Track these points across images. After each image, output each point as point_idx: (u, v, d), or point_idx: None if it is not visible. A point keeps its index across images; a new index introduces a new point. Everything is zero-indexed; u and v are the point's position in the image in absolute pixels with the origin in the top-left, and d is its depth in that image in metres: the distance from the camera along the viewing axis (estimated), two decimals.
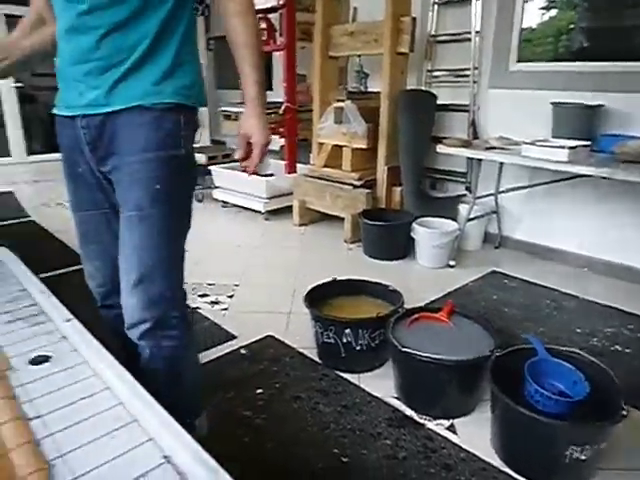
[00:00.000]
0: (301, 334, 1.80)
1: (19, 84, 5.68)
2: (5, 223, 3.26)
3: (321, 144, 3.20)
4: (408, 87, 3.00)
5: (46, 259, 2.47)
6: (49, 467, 0.55)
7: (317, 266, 2.54)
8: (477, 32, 2.83)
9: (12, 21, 5.33)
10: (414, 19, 2.78)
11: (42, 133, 6.16)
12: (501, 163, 2.57)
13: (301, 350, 1.73)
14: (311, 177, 3.19)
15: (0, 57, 0.99)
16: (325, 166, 3.16)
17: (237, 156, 0.99)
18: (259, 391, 1.50)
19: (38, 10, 1.03)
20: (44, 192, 4.21)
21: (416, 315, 1.58)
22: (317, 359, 1.67)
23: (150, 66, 0.88)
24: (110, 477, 0.55)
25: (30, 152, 5.89)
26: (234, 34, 0.94)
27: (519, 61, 2.77)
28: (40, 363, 0.76)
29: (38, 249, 2.72)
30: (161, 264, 0.94)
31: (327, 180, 3.09)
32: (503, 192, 2.78)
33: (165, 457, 0.57)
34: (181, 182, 0.97)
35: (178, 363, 1.01)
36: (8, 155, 5.72)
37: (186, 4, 0.92)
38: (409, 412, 1.45)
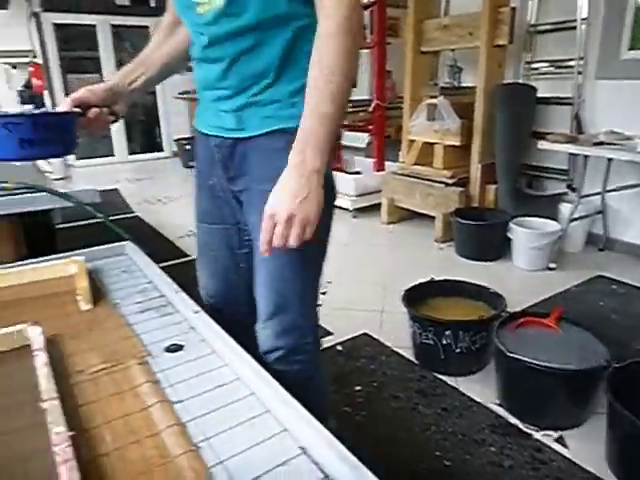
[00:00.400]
0: (395, 333, 1.79)
1: None
2: (114, 218, 3.54)
3: (411, 141, 3.15)
4: (505, 81, 2.88)
5: (155, 253, 2.65)
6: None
7: (407, 265, 2.51)
8: (584, 19, 2.65)
9: (63, 32, 5.75)
10: (514, 9, 2.66)
11: (140, 135, 6.63)
12: (609, 159, 2.39)
13: (396, 349, 1.72)
14: (400, 175, 3.16)
15: (137, 74, 1.00)
16: (415, 164, 3.11)
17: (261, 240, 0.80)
18: (357, 388, 1.52)
19: (171, 10, 1.00)
20: (145, 189, 4.52)
21: (521, 320, 1.52)
22: (413, 359, 1.66)
23: (279, 90, 0.85)
24: (253, 463, 0.57)
25: (130, 152, 6.36)
26: (316, 56, 0.76)
27: (632, 49, 2.56)
28: (174, 351, 0.81)
29: (146, 243, 2.92)
30: (296, 294, 0.93)
31: (417, 178, 3.04)
32: (612, 191, 2.58)
33: (301, 448, 0.59)
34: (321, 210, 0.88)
35: (309, 382, 1.00)
36: (112, 155, 6.21)
37: (311, 22, 0.83)
38: (513, 420, 1.39)
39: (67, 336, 0.85)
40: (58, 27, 5.68)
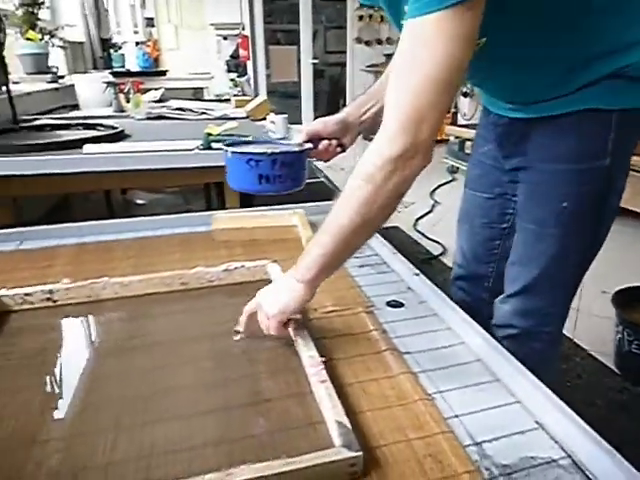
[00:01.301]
0: (591, 336, 1.64)
1: (315, 60, 6.45)
2: (311, 181, 3.85)
3: None
4: None
5: None
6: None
7: (614, 265, 2.25)
8: None
9: (269, 6, 6.02)
10: None
11: (324, 105, 6.93)
12: None
13: (593, 353, 1.57)
14: None
15: (369, 105, 0.95)
16: None
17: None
18: None
19: None
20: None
21: None
22: (614, 368, 1.50)
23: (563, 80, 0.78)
24: (488, 425, 0.58)
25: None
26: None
27: None
28: (395, 307, 0.86)
29: None
30: (548, 281, 0.90)
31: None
32: None
33: (538, 423, 0.58)
34: (597, 199, 0.84)
35: (536, 365, 0.95)
36: (300, 123, 6.62)
37: None
38: None
39: None
40: (265, 1, 6.15)
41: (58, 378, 0.68)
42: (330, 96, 6.95)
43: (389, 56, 5.52)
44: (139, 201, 3.15)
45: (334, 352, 0.71)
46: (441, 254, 2.65)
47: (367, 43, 6.17)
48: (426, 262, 2.51)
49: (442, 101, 0.61)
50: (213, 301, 0.88)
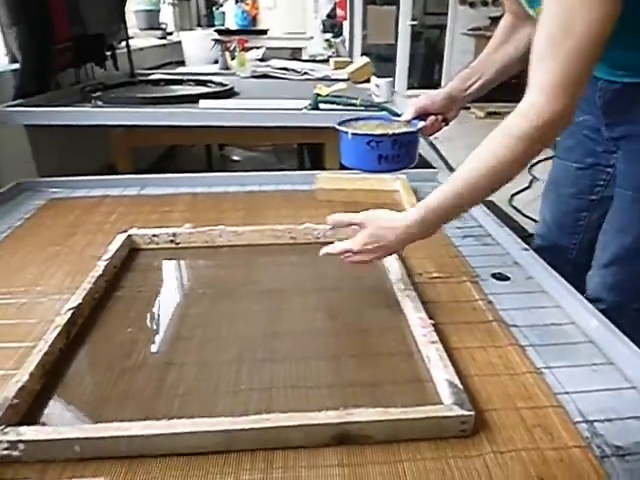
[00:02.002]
0: None
1: (414, 22, 6.22)
2: None
3: None
4: None
5: None
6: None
7: None
8: None
9: None
10: None
11: (420, 69, 6.70)
12: None
13: None
14: None
15: (474, 79, 0.95)
16: None
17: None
18: None
19: (511, 10, 0.94)
20: None
21: None
22: None
23: None
24: (600, 405, 0.57)
25: (409, 86, 6.52)
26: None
27: None
28: (501, 279, 0.85)
29: None
30: (638, 252, 0.88)
31: None
32: None
33: None
34: None
35: None
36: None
37: None
38: None
39: None
40: None
41: (185, 312, 0.75)
42: (426, 60, 6.70)
43: (494, 20, 5.20)
44: (235, 157, 3.28)
45: (439, 317, 0.72)
46: None
47: (471, 5, 5.85)
48: (522, 239, 2.42)
49: (594, 62, 0.61)
50: (319, 257, 0.92)
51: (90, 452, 0.49)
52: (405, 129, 0.92)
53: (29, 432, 0.49)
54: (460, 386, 0.55)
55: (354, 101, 1.32)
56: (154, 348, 0.66)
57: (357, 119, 0.98)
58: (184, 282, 0.85)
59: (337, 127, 0.92)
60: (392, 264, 0.82)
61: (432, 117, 0.95)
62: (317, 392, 0.58)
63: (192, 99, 1.42)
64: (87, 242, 0.97)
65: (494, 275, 0.86)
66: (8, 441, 0.48)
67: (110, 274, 0.82)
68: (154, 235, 0.93)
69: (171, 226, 0.98)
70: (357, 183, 1.25)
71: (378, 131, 0.91)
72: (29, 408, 0.55)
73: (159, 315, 0.74)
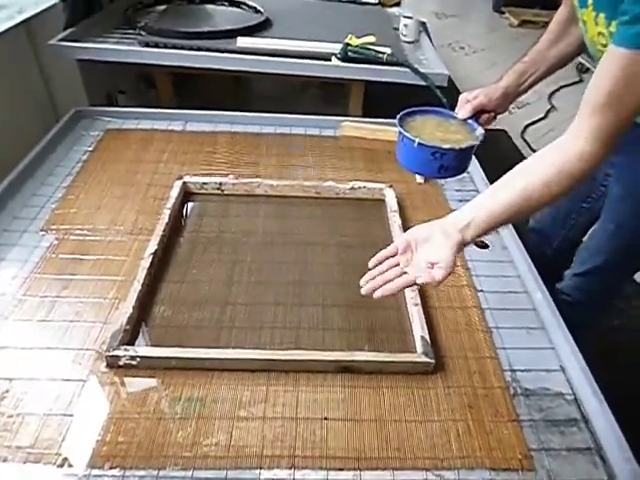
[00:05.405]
0: None
1: None
2: None
3: None
4: None
5: None
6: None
7: None
8: None
9: None
10: None
11: None
12: None
13: None
14: None
15: (529, 74, 0.96)
16: None
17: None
18: None
19: (567, 3, 0.92)
20: (449, 30, 4.52)
21: None
22: None
23: None
24: (521, 359, 0.82)
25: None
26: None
27: None
28: (482, 247, 1.06)
29: None
30: (615, 267, 1.09)
31: None
32: None
33: (561, 367, 0.82)
34: None
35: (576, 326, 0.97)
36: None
37: None
38: None
39: (408, 205, 1.16)
40: None
41: (234, 259, 0.98)
42: None
43: None
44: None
45: None
46: None
47: None
48: None
49: None
50: (340, 212, 1.13)
51: (182, 365, 0.76)
52: (470, 142, 0.91)
53: (142, 350, 0.76)
54: (429, 341, 0.80)
55: (381, 56, 1.42)
56: (214, 288, 0.91)
57: (414, 112, 0.96)
58: (232, 230, 1.06)
59: (403, 132, 0.90)
60: (394, 224, 1.04)
61: (487, 116, 0.98)
62: (330, 333, 0.84)
63: (228, 34, 1.53)
64: (148, 182, 1.18)
65: (476, 243, 1.07)
66: (130, 356, 0.75)
67: (173, 219, 1.04)
68: (204, 183, 1.14)
69: (215, 169, 1.20)
70: (377, 134, 1.41)
71: (438, 134, 0.92)
72: (132, 331, 0.81)
73: (213, 259, 0.98)
